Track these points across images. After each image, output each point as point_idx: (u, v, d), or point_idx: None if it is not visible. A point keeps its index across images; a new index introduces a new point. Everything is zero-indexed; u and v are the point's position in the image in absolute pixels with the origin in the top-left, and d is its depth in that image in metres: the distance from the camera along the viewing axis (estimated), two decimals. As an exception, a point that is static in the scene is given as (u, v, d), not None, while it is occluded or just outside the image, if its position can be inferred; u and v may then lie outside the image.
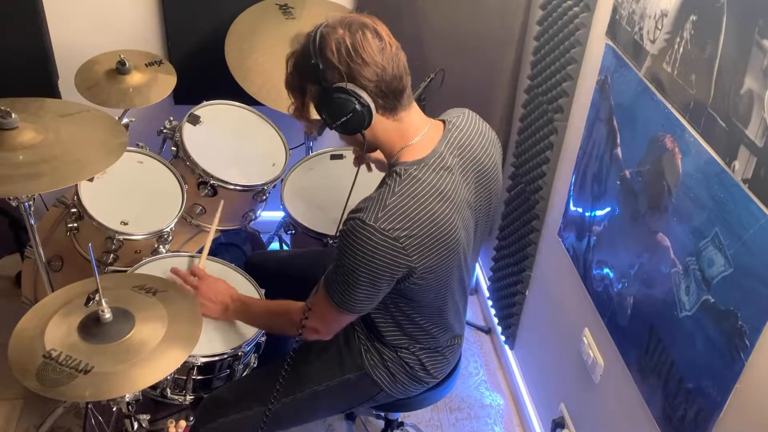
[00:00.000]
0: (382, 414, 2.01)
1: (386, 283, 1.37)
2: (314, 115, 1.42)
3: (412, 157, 1.38)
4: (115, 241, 1.83)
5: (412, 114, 1.40)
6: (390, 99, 1.34)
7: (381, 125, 1.37)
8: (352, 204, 1.39)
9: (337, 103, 1.31)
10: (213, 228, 1.93)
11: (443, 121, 1.47)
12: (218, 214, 1.96)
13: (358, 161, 1.79)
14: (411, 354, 1.60)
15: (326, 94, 1.32)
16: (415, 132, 1.40)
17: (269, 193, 2.17)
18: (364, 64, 1.29)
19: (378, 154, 1.72)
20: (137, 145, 2.06)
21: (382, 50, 1.31)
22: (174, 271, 1.74)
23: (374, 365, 1.60)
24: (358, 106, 1.31)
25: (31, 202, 1.72)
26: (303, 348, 1.63)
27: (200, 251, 2.05)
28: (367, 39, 1.30)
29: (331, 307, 1.42)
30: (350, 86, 1.30)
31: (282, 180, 2.17)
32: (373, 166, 1.87)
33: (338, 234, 1.36)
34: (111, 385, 1.33)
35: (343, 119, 1.32)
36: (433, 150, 1.39)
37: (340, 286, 1.37)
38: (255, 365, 1.77)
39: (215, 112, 2.17)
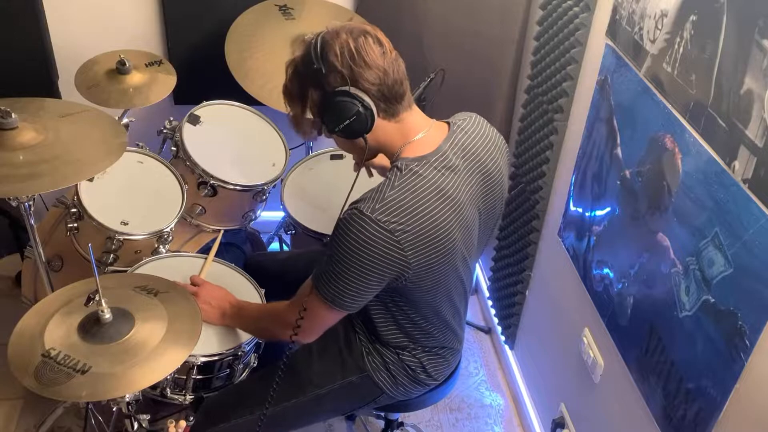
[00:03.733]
0: (382, 414, 2.01)
1: (377, 279, 1.34)
2: (311, 123, 1.42)
3: (414, 153, 1.38)
4: (115, 241, 1.83)
5: (414, 114, 1.41)
6: (392, 103, 1.35)
7: (382, 128, 1.37)
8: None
9: (339, 106, 1.31)
10: (213, 250, 1.92)
11: (448, 123, 1.47)
12: (216, 243, 1.95)
13: (358, 166, 1.77)
14: (412, 356, 1.59)
15: (328, 98, 1.32)
16: (417, 130, 1.40)
17: (269, 193, 2.17)
18: (366, 68, 1.30)
19: (380, 160, 1.70)
20: (137, 145, 2.06)
21: (383, 54, 1.32)
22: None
23: (376, 368, 1.60)
24: (361, 109, 1.31)
25: (31, 202, 1.72)
26: (303, 350, 1.62)
27: (200, 251, 2.06)
28: (369, 44, 1.31)
29: (318, 302, 1.38)
30: (353, 90, 1.30)
31: (282, 180, 2.17)
32: (374, 171, 1.85)
33: (336, 223, 1.34)
34: (108, 386, 1.32)
35: (346, 122, 1.32)
36: (437, 148, 1.39)
37: (330, 277, 1.34)
38: (255, 365, 1.77)
39: (215, 112, 2.17)
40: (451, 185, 1.37)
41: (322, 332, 1.48)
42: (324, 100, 1.33)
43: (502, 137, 1.55)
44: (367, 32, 1.33)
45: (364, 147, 1.39)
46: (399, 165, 1.36)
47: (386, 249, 1.30)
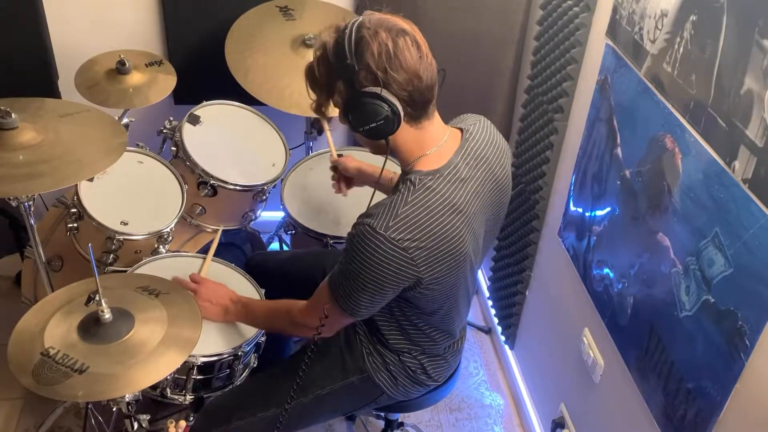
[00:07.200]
0: (382, 414, 2.01)
1: (391, 292, 1.36)
2: (333, 111, 1.39)
3: (427, 167, 1.36)
4: (115, 241, 1.83)
5: (434, 124, 1.38)
6: (418, 108, 1.32)
7: (402, 132, 1.34)
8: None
9: (368, 108, 1.27)
10: (212, 249, 1.92)
11: (460, 130, 1.46)
12: (215, 242, 1.96)
13: (337, 187, 1.97)
14: (413, 358, 1.59)
15: (357, 96, 1.28)
16: (432, 142, 1.38)
17: (269, 193, 2.17)
18: (401, 71, 1.26)
19: (351, 163, 1.90)
20: (137, 145, 2.06)
21: (420, 58, 1.28)
22: (175, 279, 1.73)
23: (376, 368, 1.60)
24: (389, 114, 1.28)
25: (31, 202, 1.72)
26: (303, 351, 1.62)
27: (200, 251, 2.06)
28: (408, 45, 1.26)
29: (336, 312, 1.41)
30: (385, 93, 1.26)
31: (282, 180, 2.17)
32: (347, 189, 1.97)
33: (347, 236, 1.34)
34: (105, 387, 1.32)
35: (372, 125, 1.29)
36: (449, 161, 1.37)
37: (345, 290, 1.36)
38: (255, 365, 1.77)
39: (215, 112, 2.17)
40: (462, 198, 1.36)
41: (339, 329, 1.55)
42: (352, 97, 1.29)
43: (506, 142, 1.54)
44: (406, 32, 1.28)
45: (384, 146, 1.36)
46: (412, 179, 1.34)
47: (400, 266, 1.30)
